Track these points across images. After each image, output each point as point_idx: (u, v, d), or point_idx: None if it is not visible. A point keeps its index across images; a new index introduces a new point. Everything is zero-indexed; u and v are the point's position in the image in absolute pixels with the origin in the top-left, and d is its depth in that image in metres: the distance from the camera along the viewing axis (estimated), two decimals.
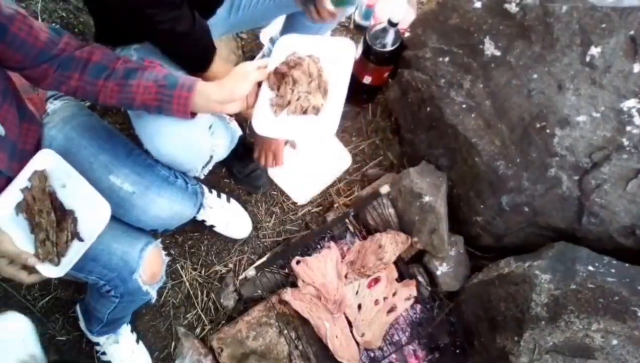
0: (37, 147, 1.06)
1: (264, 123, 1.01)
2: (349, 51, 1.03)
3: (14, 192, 0.97)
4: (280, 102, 1.01)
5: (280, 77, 1.02)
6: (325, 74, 1.03)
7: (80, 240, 0.98)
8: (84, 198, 1.00)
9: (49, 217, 0.96)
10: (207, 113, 1.06)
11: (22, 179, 0.98)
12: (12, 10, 0.87)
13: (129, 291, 1.13)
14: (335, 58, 1.03)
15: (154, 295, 1.20)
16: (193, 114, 1.00)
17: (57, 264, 0.95)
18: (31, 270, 0.92)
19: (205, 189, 1.55)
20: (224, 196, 1.62)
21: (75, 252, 0.97)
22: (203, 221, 1.57)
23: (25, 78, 0.98)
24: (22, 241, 0.94)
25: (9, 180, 0.98)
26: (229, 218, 1.60)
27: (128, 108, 1.05)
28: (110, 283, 1.10)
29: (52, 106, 1.14)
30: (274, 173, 1.69)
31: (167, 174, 1.18)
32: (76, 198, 1.01)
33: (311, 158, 1.70)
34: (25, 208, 0.97)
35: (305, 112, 1.01)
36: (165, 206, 1.15)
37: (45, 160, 1.00)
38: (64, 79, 0.96)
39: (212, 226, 1.60)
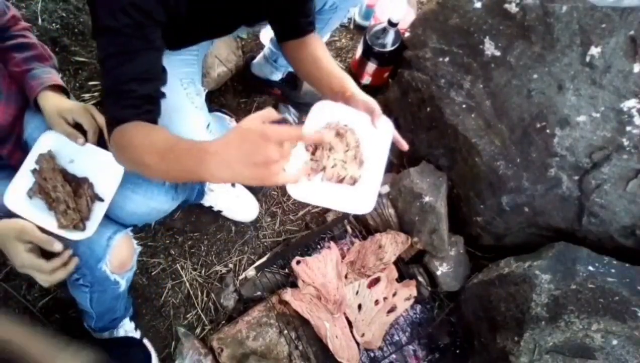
0: (12, 126, 1.08)
1: (299, 187, 0.97)
2: (387, 127, 1.01)
3: (23, 178, 1.01)
4: (315, 167, 0.98)
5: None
6: (362, 146, 1.01)
7: (101, 200, 1.03)
8: (95, 162, 1.05)
9: (65, 189, 1.00)
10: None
11: (29, 165, 1.01)
12: None
13: (97, 280, 1.12)
14: (372, 133, 1.01)
15: (123, 284, 1.19)
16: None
17: (84, 229, 0.99)
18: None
19: None
20: None
21: (98, 213, 1.02)
22: (210, 206, 1.61)
23: None
24: (42, 219, 0.97)
25: None
26: (234, 201, 1.63)
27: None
28: (78, 272, 1.09)
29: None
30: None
31: None
32: (87, 165, 1.05)
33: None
34: (38, 189, 1.00)
35: (341, 181, 0.98)
36: (141, 203, 1.15)
37: (48, 142, 1.04)
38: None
39: (220, 211, 1.63)
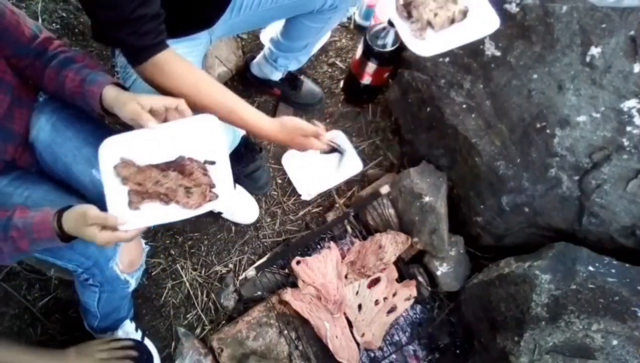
0: (4, 116, 1.04)
1: (423, 45, 1.02)
2: None
3: (115, 195, 0.90)
4: (420, 25, 1.01)
5: (405, 7, 1.03)
6: None
7: (212, 163, 0.93)
8: (180, 137, 0.93)
9: (167, 177, 0.91)
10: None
11: (109, 182, 0.91)
12: (1, 6, 0.95)
13: (107, 280, 1.13)
14: None
15: (133, 283, 1.20)
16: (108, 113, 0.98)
17: (217, 197, 0.91)
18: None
19: None
20: None
21: (224, 174, 0.92)
22: None
23: (10, 67, 1.03)
24: (167, 213, 0.90)
25: (5, 163, 1.03)
26: (235, 203, 1.62)
27: (60, 96, 1.07)
28: (88, 272, 1.10)
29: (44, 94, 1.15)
30: (287, 160, 1.70)
31: None
32: (174, 144, 0.94)
33: (324, 156, 1.70)
34: (138, 198, 0.90)
35: (452, 22, 1.02)
36: None
37: (112, 151, 0.93)
38: (40, 71, 1.04)
39: (220, 213, 1.63)
